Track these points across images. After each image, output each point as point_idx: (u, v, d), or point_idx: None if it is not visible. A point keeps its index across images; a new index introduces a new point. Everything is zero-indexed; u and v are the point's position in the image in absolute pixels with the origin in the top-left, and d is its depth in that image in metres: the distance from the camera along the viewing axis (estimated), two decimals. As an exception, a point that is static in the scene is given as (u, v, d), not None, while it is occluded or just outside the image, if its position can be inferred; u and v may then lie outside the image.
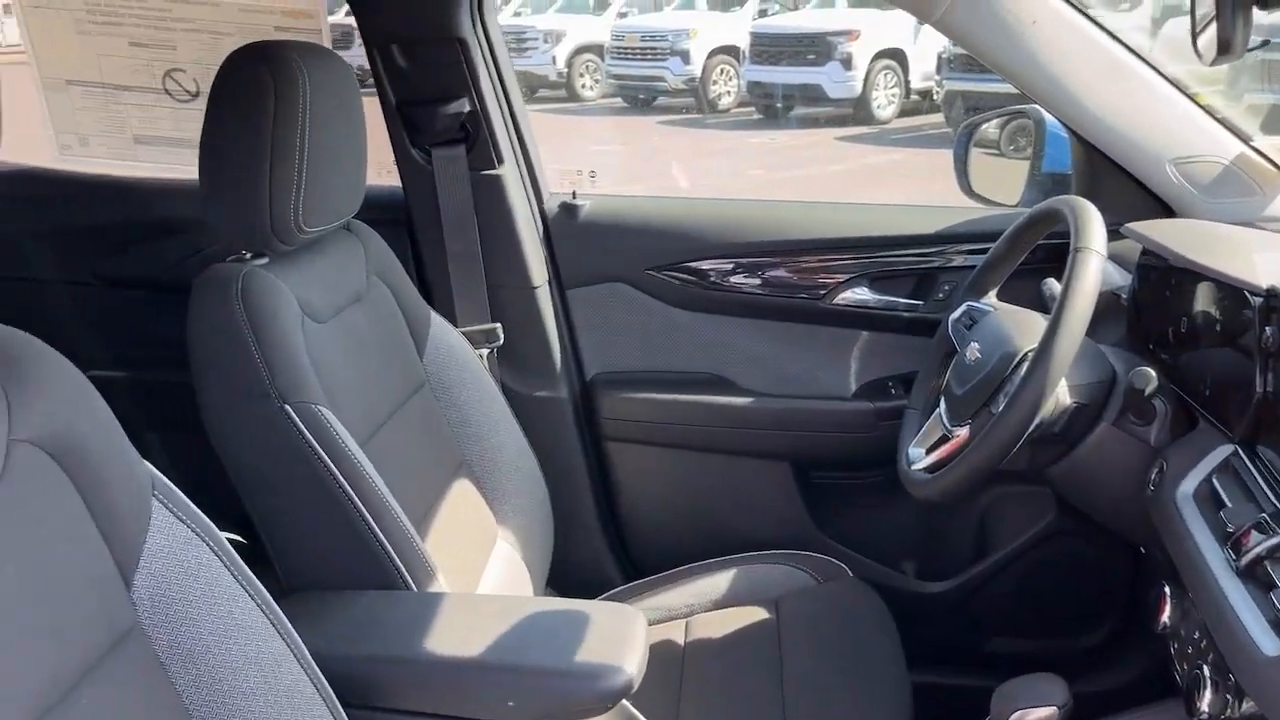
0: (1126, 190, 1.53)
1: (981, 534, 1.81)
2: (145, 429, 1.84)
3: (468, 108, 1.73)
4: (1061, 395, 1.24)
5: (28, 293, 1.95)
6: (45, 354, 0.84)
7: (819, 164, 8.27)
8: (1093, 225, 1.22)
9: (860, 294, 1.78)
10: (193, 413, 1.24)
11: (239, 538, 1.50)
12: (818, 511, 1.86)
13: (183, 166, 1.91)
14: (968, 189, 1.76)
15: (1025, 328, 1.31)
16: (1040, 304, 1.48)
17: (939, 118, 9.10)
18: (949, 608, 1.79)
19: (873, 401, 1.78)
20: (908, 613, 1.56)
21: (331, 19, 2.05)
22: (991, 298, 1.48)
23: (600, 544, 1.89)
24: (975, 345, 1.34)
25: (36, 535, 0.79)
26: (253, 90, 1.22)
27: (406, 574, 1.24)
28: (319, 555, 1.26)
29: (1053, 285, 1.49)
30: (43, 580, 0.78)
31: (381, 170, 1.81)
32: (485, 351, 1.77)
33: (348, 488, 1.21)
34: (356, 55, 1.75)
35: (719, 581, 1.63)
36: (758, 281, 1.81)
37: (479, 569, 1.46)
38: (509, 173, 1.79)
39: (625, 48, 11.11)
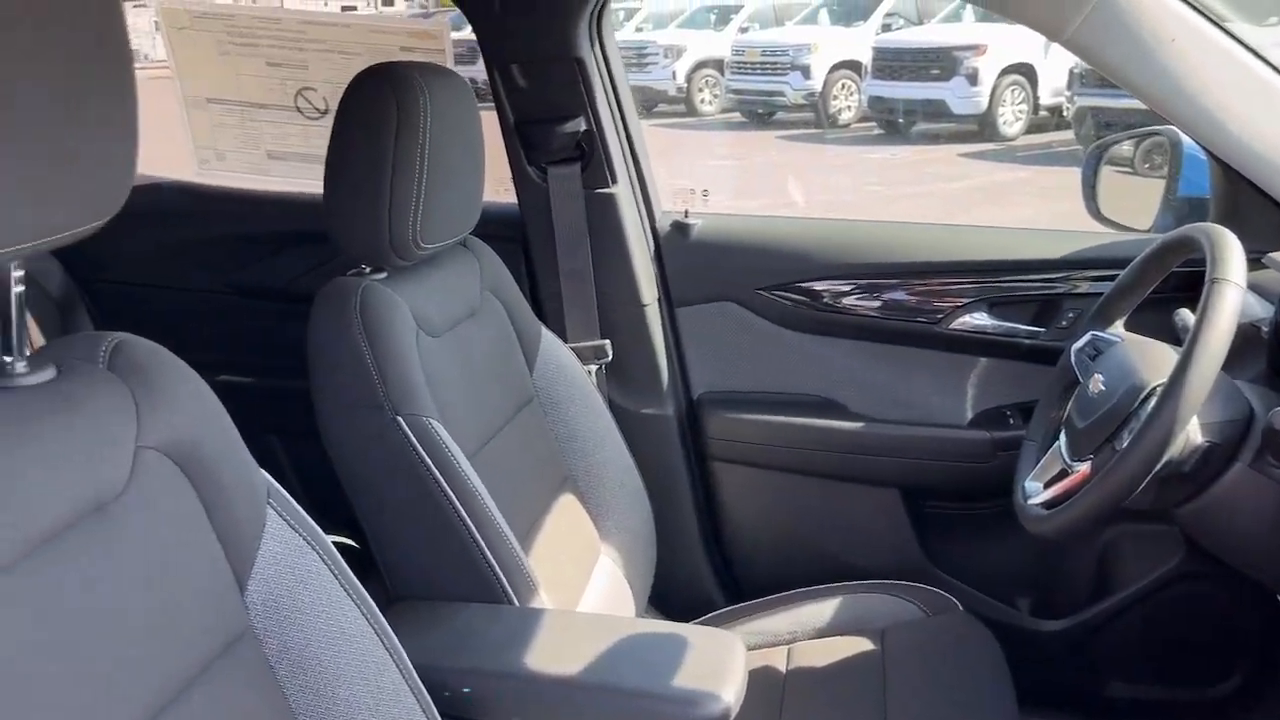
0: (1269, 216, 1.44)
1: (1102, 572, 1.73)
2: (268, 433, 1.92)
3: (584, 126, 1.75)
4: (1192, 433, 1.17)
5: (165, 300, 2.05)
6: (173, 363, 0.88)
7: (941, 181, 8.09)
8: (1231, 255, 1.15)
9: (978, 319, 1.73)
10: (313, 420, 1.29)
11: (351, 542, 1.55)
12: (928, 542, 1.81)
13: (312, 181, 1.99)
14: (1096, 212, 1.69)
15: (1154, 360, 1.25)
16: (1171, 335, 1.41)
17: (1068, 135, 8.80)
18: (1065, 648, 1.71)
19: (989, 431, 1.72)
20: (1020, 651, 1.50)
21: (458, 35, 2.10)
22: (1118, 327, 1.41)
23: (703, 565, 1.88)
24: (1099, 377, 1.29)
25: (158, 538, 0.82)
26: (376, 109, 1.26)
27: (509, 588, 1.26)
28: (424, 565, 1.28)
29: (1186, 316, 1.41)
30: (162, 582, 0.82)
31: (500, 187, 1.85)
32: (594, 368, 1.78)
33: (454, 500, 1.23)
34: (481, 69, 1.79)
35: (823, 609, 1.59)
36: (872, 304, 1.77)
37: (581, 585, 1.47)
38: (622, 191, 1.80)
39: (745, 62, 11.09)
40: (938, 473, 1.77)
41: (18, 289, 0.79)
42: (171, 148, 2.15)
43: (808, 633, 1.57)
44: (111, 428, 0.80)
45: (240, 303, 2.05)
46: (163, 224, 2.02)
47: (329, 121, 1.31)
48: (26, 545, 0.72)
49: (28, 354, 0.79)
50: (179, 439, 0.85)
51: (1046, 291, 1.70)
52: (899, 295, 1.77)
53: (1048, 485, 1.32)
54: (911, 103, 9.92)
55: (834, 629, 1.57)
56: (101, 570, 0.77)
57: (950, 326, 1.74)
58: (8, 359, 0.78)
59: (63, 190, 0.71)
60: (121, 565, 0.79)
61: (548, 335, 1.58)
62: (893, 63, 9.95)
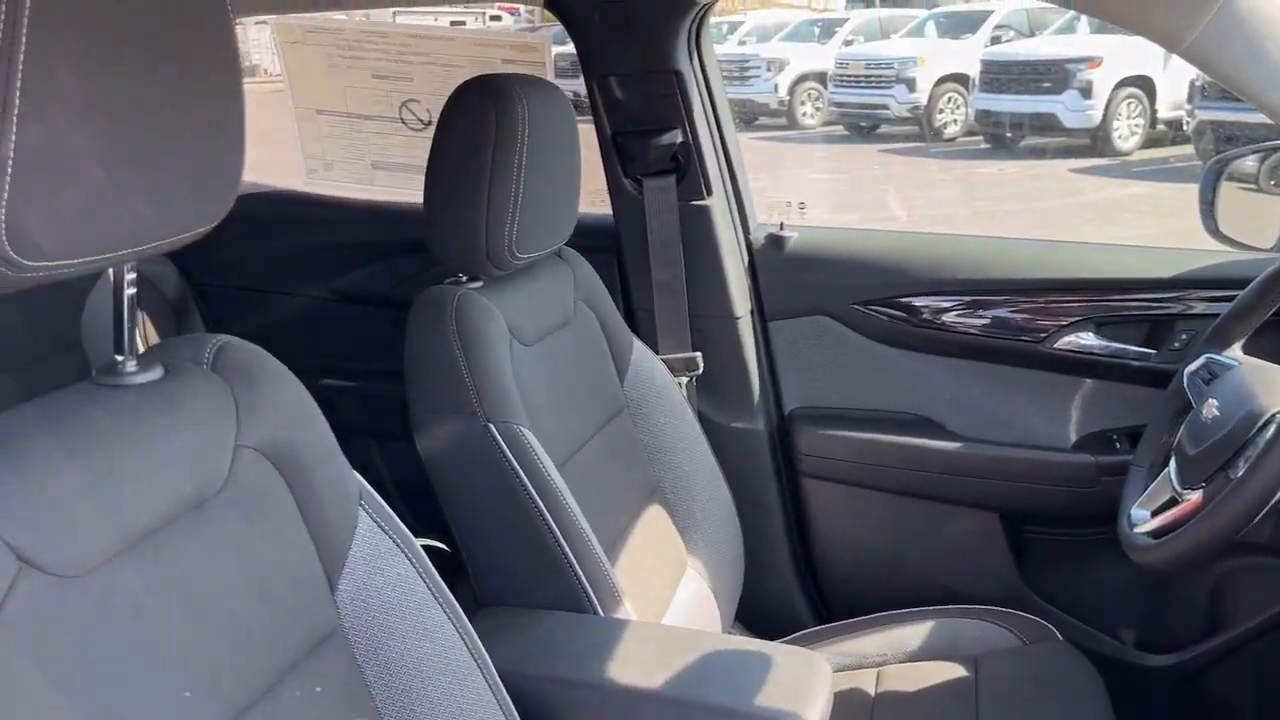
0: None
1: (1214, 606, 1.65)
2: (364, 437, 1.96)
3: (680, 139, 1.75)
4: (1315, 464, 1.11)
5: (271, 304, 2.12)
6: (273, 365, 0.91)
7: (1051, 197, 7.86)
8: None
9: (1085, 339, 1.67)
10: (408, 424, 1.31)
11: (442, 546, 1.57)
12: (1026, 567, 1.75)
13: (414, 191, 2.04)
14: (1214, 229, 1.62)
15: (1274, 386, 1.19)
16: (1293, 360, 1.34)
17: (1187, 150, 8.45)
18: (1172, 684, 1.64)
19: (1094, 455, 1.66)
20: (1123, 685, 1.44)
21: (560, 49, 2.13)
22: (1236, 350, 1.35)
23: (791, 582, 1.85)
24: (1214, 402, 1.23)
25: (254, 536, 0.85)
26: (476, 120, 1.28)
27: (594, 597, 1.26)
28: (511, 572, 1.29)
29: None
30: (256, 579, 0.84)
31: (596, 199, 1.86)
32: (685, 380, 1.78)
33: (543, 508, 1.24)
34: (582, 83, 1.81)
35: (915, 632, 1.56)
36: (972, 321, 1.73)
37: (666, 598, 1.46)
38: (717, 203, 1.79)
39: (849, 75, 10.98)
40: (1038, 497, 1.71)
41: (130, 291, 0.82)
42: (285, 157, 2.23)
43: (898, 656, 1.53)
44: (212, 427, 0.83)
45: (342, 309, 2.10)
46: (272, 231, 2.09)
47: (432, 133, 1.34)
48: (127, 540, 0.74)
49: (138, 354, 0.83)
50: (276, 440, 0.88)
51: (1159, 312, 1.63)
52: (1002, 313, 1.72)
53: (1155, 513, 1.27)
54: (1020, 116, 9.67)
55: (925, 653, 1.53)
56: (197, 566, 0.79)
57: (1055, 346, 1.68)
58: (119, 358, 0.82)
59: (174, 196, 0.74)
60: (217, 561, 0.81)
61: (639, 346, 1.58)
62: (1002, 75, 9.71)
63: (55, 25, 0.62)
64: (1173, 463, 1.28)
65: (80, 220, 0.66)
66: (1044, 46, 10.17)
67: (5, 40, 0.59)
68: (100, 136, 0.66)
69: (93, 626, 0.70)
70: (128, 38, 0.68)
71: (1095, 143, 9.17)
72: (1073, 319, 1.67)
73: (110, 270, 0.80)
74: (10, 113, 0.60)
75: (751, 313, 1.83)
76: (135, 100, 0.68)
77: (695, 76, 1.77)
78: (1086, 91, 9.11)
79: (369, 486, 0.97)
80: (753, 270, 1.84)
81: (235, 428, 0.85)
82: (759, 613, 1.73)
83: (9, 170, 0.60)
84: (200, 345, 0.88)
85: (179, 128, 0.73)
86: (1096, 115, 9.10)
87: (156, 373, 0.82)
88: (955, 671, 1.47)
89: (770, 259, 1.84)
